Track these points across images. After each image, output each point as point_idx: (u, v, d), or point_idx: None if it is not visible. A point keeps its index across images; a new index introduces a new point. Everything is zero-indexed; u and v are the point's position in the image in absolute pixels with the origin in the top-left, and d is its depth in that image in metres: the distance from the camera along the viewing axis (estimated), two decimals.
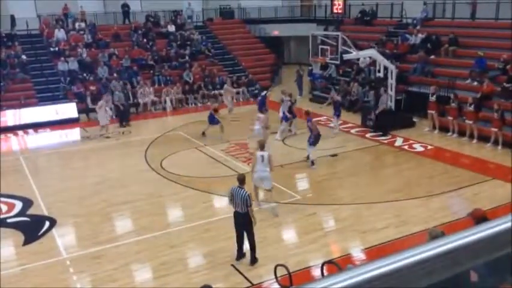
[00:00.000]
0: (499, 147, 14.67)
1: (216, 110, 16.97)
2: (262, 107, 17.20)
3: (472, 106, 15.56)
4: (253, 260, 8.73)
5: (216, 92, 23.03)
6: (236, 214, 8.80)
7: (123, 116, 19.46)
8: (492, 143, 14.92)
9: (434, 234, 5.99)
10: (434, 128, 16.90)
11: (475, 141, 15.46)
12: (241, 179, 8.92)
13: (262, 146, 10.90)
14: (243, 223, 8.73)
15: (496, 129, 14.72)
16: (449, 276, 1.07)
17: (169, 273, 8.50)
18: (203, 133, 16.95)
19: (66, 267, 8.96)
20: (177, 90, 22.16)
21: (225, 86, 21.00)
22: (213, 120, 16.74)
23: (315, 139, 13.66)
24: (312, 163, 13.70)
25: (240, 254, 8.86)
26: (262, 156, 10.62)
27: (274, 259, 8.26)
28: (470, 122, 15.56)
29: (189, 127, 18.64)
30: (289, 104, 17.05)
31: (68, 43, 24.10)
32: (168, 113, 21.59)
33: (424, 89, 18.14)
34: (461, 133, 15.99)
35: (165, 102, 21.74)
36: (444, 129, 16.61)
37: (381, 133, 16.72)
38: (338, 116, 17.18)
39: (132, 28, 26.17)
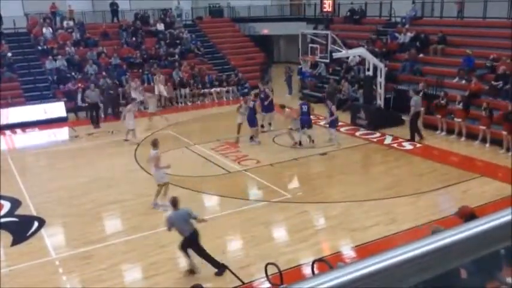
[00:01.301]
0: (487, 144, 14.81)
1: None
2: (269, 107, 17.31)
3: (461, 104, 15.69)
4: (220, 271, 8.29)
5: (206, 90, 22.99)
6: (186, 240, 8.16)
7: (95, 117, 19.07)
8: (480, 141, 15.05)
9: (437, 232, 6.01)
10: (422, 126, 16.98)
11: (463, 139, 15.59)
12: (175, 203, 8.28)
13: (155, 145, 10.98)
14: (194, 243, 8.21)
15: (484, 127, 14.86)
16: (439, 273, 1.07)
17: (159, 273, 8.47)
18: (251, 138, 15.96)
19: (55, 267, 8.89)
20: (168, 89, 22.00)
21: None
22: (253, 121, 15.84)
23: (301, 123, 14.91)
24: (300, 143, 15.03)
25: (217, 265, 8.32)
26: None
27: (265, 258, 8.27)
28: (459, 120, 15.69)
29: (178, 126, 18.58)
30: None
31: (56, 41, 23.91)
32: (158, 112, 21.48)
33: (413, 87, 18.25)
34: (450, 131, 16.11)
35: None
36: (432, 127, 16.72)
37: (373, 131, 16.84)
38: (335, 128, 15.60)
39: (121, 27, 26.00)
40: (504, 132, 14.14)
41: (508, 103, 14.61)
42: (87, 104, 19.26)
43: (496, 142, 14.59)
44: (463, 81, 17.69)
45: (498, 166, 13.32)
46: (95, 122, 18.85)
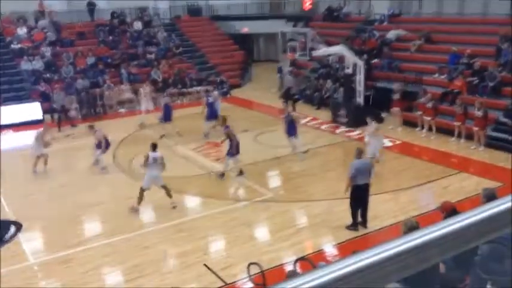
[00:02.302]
0: (462, 140, 15.04)
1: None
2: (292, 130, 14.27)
3: (431, 103, 15.86)
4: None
5: (185, 90, 22.82)
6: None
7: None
8: (457, 137, 15.27)
9: (410, 225, 6.06)
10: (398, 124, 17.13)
11: (433, 137, 15.76)
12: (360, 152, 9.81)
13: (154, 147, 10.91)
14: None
15: (459, 123, 15.08)
16: (420, 270, 1.06)
17: (142, 275, 8.37)
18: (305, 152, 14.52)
19: (34, 272, 8.73)
20: (149, 88, 21.69)
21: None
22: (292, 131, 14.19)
23: (236, 149, 12.63)
24: (222, 175, 12.69)
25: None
26: (155, 158, 10.75)
27: (248, 257, 8.24)
28: (428, 118, 15.88)
29: (158, 126, 18.40)
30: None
31: (31, 41, 23.46)
32: (136, 112, 21.27)
33: (392, 84, 18.43)
34: (429, 128, 16.28)
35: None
36: (410, 124, 16.87)
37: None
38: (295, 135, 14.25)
39: (97, 26, 25.65)
40: (475, 128, 14.41)
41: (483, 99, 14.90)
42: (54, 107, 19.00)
43: (471, 137, 14.84)
44: (442, 77, 17.91)
45: (476, 161, 13.57)
46: (62, 125, 18.60)
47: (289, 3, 30.80)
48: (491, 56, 17.23)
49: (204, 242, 9.59)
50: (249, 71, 27.58)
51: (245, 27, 30.45)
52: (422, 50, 20.05)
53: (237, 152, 12.69)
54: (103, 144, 13.58)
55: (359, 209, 9.65)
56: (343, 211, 10.54)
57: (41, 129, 14.54)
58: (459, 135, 15.18)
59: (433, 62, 18.92)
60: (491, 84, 16.04)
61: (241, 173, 12.84)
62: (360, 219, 9.72)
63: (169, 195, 10.89)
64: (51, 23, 24.83)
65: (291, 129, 14.07)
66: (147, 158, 10.85)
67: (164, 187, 10.91)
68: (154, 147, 10.90)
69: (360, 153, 9.80)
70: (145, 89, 19.48)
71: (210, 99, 16.92)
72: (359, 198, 9.59)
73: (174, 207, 10.90)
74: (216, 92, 17.99)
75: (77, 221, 10.74)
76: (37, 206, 11.50)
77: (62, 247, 9.45)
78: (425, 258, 1.06)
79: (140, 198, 10.69)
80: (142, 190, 10.70)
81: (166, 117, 16.88)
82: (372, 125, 13.28)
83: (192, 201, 11.93)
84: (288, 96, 20.29)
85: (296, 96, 20.64)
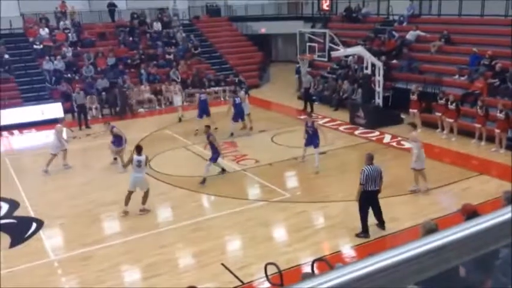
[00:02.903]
0: (483, 142, 14.79)
1: None
2: None
3: (454, 104, 15.61)
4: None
5: (203, 90, 22.88)
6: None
7: (82, 119, 18.94)
8: (477, 139, 15.02)
9: (428, 227, 5.90)
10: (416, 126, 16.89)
11: (453, 139, 15.53)
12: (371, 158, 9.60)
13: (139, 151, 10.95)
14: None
15: (479, 125, 14.83)
16: (438, 272, 1.05)
17: (158, 274, 8.44)
18: None
19: (53, 269, 8.86)
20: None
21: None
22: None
23: (218, 156, 12.72)
24: (204, 180, 12.41)
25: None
26: (139, 161, 10.80)
27: (264, 258, 8.23)
28: (451, 120, 15.63)
29: (177, 126, 18.54)
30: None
31: (53, 42, 23.83)
32: (156, 111, 21.47)
33: (411, 85, 18.23)
34: (451, 130, 16.03)
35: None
36: (430, 125, 16.66)
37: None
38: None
39: (118, 27, 25.95)
40: (497, 130, 14.17)
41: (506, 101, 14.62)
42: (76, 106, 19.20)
43: (492, 139, 14.59)
44: (462, 79, 17.65)
45: (496, 164, 13.34)
46: (82, 123, 18.79)
47: (306, 3, 30.69)
48: None
49: (221, 242, 9.63)
50: (267, 72, 27.58)
51: (263, 28, 30.47)
52: (442, 51, 19.80)
53: (218, 159, 12.73)
54: (124, 139, 13.76)
55: (368, 215, 9.48)
56: None
57: (59, 125, 14.78)
58: (480, 137, 14.94)
59: (453, 63, 18.66)
60: None
61: (203, 180, 12.45)
62: (376, 222, 9.65)
63: (143, 202, 10.86)
64: (73, 23, 25.21)
65: (315, 139, 13.21)
66: (131, 160, 11.00)
67: (145, 193, 10.93)
68: (139, 150, 11.00)
69: (370, 158, 9.57)
70: (175, 87, 19.98)
71: (237, 100, 16.89)
72: (369, 204, 9.45)
73: (141, 212, 10.82)
74: (242, 92, 18.00)
75: (95, 219, 10.87)
76: (57, 204, 11.67)
77: (80, 245, 9.58)
78: (444, 260, 1.05)
79: (127, 199, 10.75)
80: (129, 192, 10.81)
81: (204, 112, 17.04)
82: (414, 135, 12.03)
83: (209, 201, 11.97)
84: (307, 97, 20.25)
85: (313, 97, 20.59)
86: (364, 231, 9.47)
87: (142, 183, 10.94)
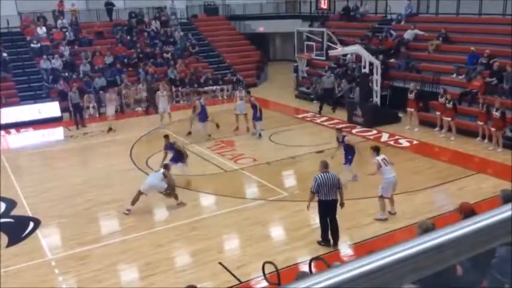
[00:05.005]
0: (486, 140, 14.79)
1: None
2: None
3: (451, 103, 15.62)
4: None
5: (201, 89, 22.88)
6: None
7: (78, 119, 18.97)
8: (481, 138, 14.99)
9: (425, 227, 5.87)
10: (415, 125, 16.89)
11: (479, 138, 15.11)
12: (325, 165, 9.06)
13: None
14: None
15: (482, 123, 14.83)
16: (435, 271, 1.05)
17: (156, 273, 8.43)
18: None
19: (51, 268, 8.84)
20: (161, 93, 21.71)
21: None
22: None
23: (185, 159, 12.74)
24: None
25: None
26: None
27: (262, 256, 8.23)
28: (448, 118, 15.62)
29: (174, 125, 18.51)
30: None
31: (50, 40, 23.77)
32: (152, 111, 21.41)
33: (409, 84, 18.24)
34: (449, 129, 16.02)
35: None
36: (428, 124, 16.67)
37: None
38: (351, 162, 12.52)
39: (115, 25, 25.89)
40: (493, 129, 14.18)
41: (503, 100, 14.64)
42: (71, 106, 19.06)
43: (490, 138, 14.60)
44: (460, 78, 17.67)
45: (493, 163, 13.35)
46: (79, 122, 18.74)
47: (304, 2, 30.69)
48: (510, 56, 16.92)
49: (219, 241, 9.62)
50: (265, 71, 27.58)
51: (261, 27, 30.45)
52: (440, 50, 19.82)
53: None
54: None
55: (327, 225, 8.95)
56: (357, 211, 10.48)
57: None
58: (484, 136, 14.88)
59: (451, 62, 18.68)
60: (509, 84, 15.77)
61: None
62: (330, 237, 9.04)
63: (133, 202, 10.77)
64: (70, 22, 25.15)
65: (347, 155, 12.25)
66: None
67: (168, 193, 11.00)
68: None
69: (324, 166, 8.89)
70: (162, 92, 18.60)
71: (254, 102, 16.28)
72: (325, 215, 8.94)
73: (126, 213, 10.77)
74: (244, 92, 17.75)
75: (92, 218, 10.85)
76: (55, 203, 11.65)
77: (78, 244, 9.57)
78: (441, 259, 1.05)
79: (135, 199, 10.74)
80: (139, 192, 10.80)
81: (206, 116, 16.47)
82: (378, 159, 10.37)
83: (207, 199, 11.97)
84: (326, 98, 19.76)
85: (335, 100, 20.02)
86: (324, 240, 9.04)
87: (157, 188, 10.95)
